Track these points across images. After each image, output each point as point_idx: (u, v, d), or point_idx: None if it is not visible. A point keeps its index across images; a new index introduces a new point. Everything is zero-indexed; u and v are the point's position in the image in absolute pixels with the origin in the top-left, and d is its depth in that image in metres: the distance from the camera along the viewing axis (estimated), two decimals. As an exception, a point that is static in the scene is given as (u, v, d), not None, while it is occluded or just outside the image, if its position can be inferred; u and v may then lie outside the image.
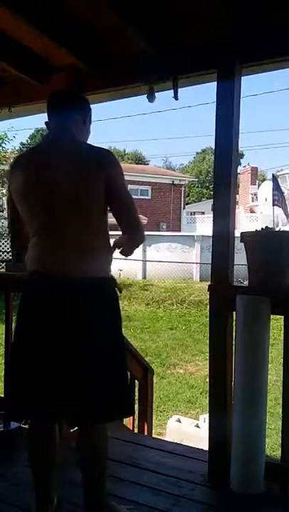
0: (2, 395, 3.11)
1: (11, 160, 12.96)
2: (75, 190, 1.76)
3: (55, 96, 1.98)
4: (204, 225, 21.65)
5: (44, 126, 1.99)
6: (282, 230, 2.69)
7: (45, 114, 1.99)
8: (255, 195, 25.51)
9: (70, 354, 1.72)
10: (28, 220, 1.85)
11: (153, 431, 3.76)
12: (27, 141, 42.16)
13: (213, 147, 2.35)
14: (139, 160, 45.96)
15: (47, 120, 1.97)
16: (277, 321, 2.38)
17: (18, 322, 1.86)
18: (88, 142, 1.97)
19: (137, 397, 3.39)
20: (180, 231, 22.02)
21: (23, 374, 1.79)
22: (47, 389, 1.73)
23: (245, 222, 20.93)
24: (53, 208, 1.77)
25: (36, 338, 1.76)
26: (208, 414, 2.45)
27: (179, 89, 2.43)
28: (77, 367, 1.72)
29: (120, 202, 1.85)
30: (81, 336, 1.73)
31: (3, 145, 12.75)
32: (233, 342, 2.22)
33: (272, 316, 2.17)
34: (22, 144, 36.97)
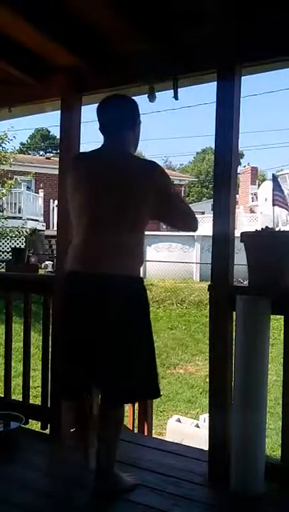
0: (2, 395, 3.12)
1: (12, 160, 13.01)
2: (121, 196, 1.94)
3: (107, 102, 2.12)
4: (204, 225, 21.59)
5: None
6: (282, 230, 2.69)
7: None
8: (255, 195, 25.47)
9: (103, 346, 1.94)
10: (75, 216, 2.05)
11: (153, 431, 3.75)
12: (27, 141, 42.14)
13: (213, 147, 2.35)
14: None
15: (99, 126, 2.10)
16: (277, 321, 2.38)
17: (61, 316, 2.16)
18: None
19: (137, 397, 3.38)
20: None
21: (68, 359, 2.04)
22: (87, 371, 1.96)
23: (245, 222, 20.91)
24: (97, 209, 1.96)
25: (74, 330, 1.99)
26: (208, 414, 2.45)
27: (179, 89, 2.43)
28: (112, 353, 1.94)
29: (169, 212, 2.09)
30: (110, 330, 1.93)
31: (3, 145, 12.70)
32: (233, 342, 2.22)
33: (272, 316, 2.17)
34: (22, 143, 36.98)
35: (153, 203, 1.99)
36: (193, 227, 2.17)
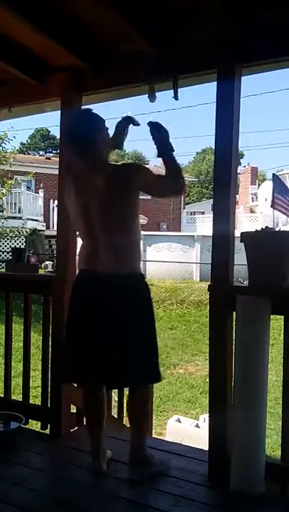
0: (2, 395, 3.12)
1: (12, 160, 12.99)
2: (107, 204, 2.13)
3: (69, 127, 2.37)
4: (204, 225, 21.62)
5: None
6: (282, 230, 2.69)
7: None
8: (255, 195, 25.44)
9: (109, 334, 2.12)
10: (75, 226, 2.33)
11: (153, 431, 3.75)
12: (27, 141, 42.11)
13: (213, 147, 2.35)
14: (139, 160, 45.88)
15: (72, 148, 2.31)
16: (277, 321, 2.37)
17: (68, 310, 2.31)
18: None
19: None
20: (180, 231, 21.99)
21: (76, 348, 2.22)
22: (93, 360, 2.15)
23: (245, 222, 20.91)
24: (90, 218, 2.17)
25: (82, 321, 2.19)
26: (208, 414, 2.45)
27: (179, 89, 2.43)
28: (116, 343, 2.12)
29: (156, 188, 2.30)
30: (112, 319, 2.12)
31: (3, 145, 12.70)
32: (233, 342, 2.22)
33: (272, 316, 2.17)
34: (22, 143, 36.95)
35: (139, 192, 2.20)
36: (179, 188, 2.31)
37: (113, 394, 3.26)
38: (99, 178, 2.16)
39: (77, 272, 2.35)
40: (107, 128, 2.28)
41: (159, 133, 2.24)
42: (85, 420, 2.57)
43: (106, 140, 2.27)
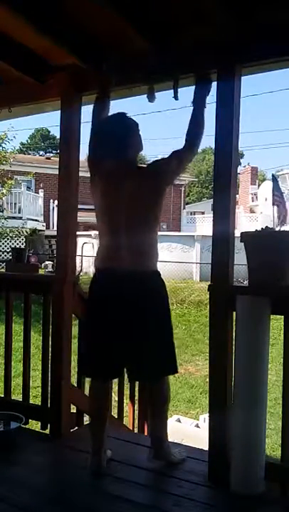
0: (2, 395, 3.12)
1: (12, 160, 12.99)
2: (137, 205, 2.24)
3: (104, 131, 2.39)
4: (204, 225, 21.62)
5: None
6: (282, 229, 2.68)
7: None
8: (255, 195, 25.45)
9: (129, 330, 2.22)
10: (99, 221, 2.36)
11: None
12: (27, 141, 42.09)
13: (213, 147, 2.35)
14: (139, 160, 45.86)
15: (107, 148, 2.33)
16: (277, 321, 2.37)
17: (88, 307, 2.43)
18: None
19: (137, 397, 3.39)
20: (180, 231, 21.98)
21: (97, 342, 2.31)
22: (113, 353, 2.26)
23: (245, 222, 20.89)
24: (113, 217, 2.27)
25: (103, 317, 2.27)
26: (208, 414, 2.45)
27: (179, 89, 2.43)
28: (139, 340, 2.24)
29: (180, 168, 2.38)
30: (135, 316, 2.22)
31: (3, 145, 12.69)
32: (233, 342, 2.22)
33: (272, 316, 2.17)
34: (22, 143, 36.94)
35: (166, 192, 2.35)
36: (196, 148, 2.40)
37: (113, 394, 3.26)
38: (131, 180, 2.25)
39: (93, 270, 2.41)
40: (139, 130, 2.37)
41: (202, 90, 2.35)
42: (89, 419, 2.59)
43: (139, 144, 2.38)
